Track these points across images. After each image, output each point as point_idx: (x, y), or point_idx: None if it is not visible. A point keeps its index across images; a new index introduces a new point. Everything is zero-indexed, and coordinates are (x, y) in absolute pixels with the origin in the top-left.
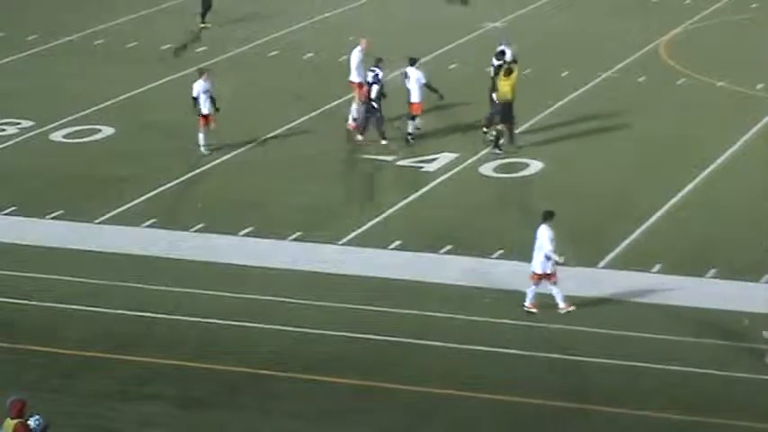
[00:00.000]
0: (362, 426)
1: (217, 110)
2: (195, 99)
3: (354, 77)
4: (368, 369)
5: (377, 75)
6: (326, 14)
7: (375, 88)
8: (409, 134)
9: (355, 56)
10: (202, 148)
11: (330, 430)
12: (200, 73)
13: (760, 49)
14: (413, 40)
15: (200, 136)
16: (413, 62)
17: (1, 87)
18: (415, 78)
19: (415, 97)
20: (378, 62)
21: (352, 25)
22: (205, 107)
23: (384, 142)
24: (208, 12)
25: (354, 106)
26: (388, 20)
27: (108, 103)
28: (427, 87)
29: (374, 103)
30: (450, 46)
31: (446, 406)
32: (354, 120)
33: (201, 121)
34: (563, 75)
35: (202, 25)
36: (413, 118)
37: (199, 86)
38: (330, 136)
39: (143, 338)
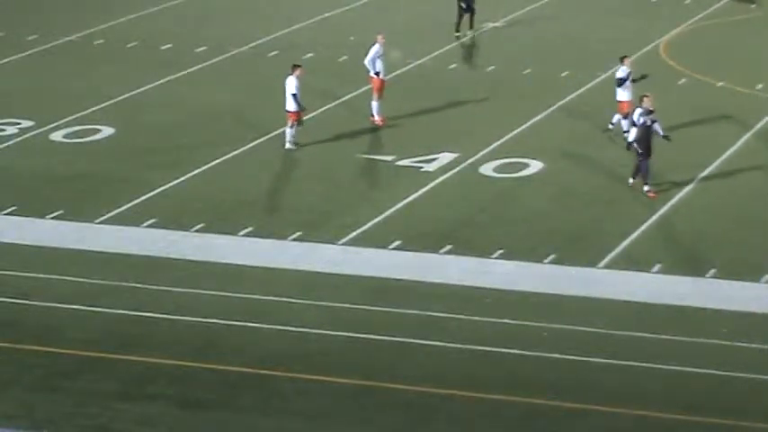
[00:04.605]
0: (362, 426)
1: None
2: (294, 95)
3: (371, 72)
4: (368, 369)
5: (643, 114)
6: (326, 14)
7: (635, 130)
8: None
9: (372, 51)
10: (288, 144)
11: (330, 430)
12: (294, 68)
13: (760, 49)
14: (413, 39)
15: (288, 131)
16: (621, 59)
17: (1, 87)
18: (620, 77)
19: (624, 96)
20: (641, 103)
21: (353, 25)
22: (295, 104)
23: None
24: (471, 17)
25: (374, 102)
26: (389, 20)
27: (108, 103)
28: (634, 81)
29: (639, 147)
30: (450, 46)
31: (446, 406)
32: (372, 115)
33: (293, 117)
34: (563, 75)
35: (457, 34)
36: (625, 116)
37: (294, 82)
38: (330, 136)
39: (143, 338)
